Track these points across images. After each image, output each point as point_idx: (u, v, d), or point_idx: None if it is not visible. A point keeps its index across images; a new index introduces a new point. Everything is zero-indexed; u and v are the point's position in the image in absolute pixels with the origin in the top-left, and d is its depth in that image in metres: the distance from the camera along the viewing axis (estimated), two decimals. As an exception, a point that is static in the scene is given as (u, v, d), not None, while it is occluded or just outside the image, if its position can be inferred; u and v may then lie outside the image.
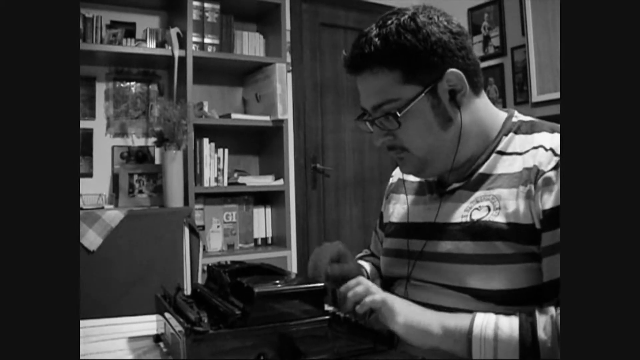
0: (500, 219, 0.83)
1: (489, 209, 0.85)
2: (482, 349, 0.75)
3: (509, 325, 0.75)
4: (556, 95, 2.79)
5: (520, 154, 0.87)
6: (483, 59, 3.16)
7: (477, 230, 0.84)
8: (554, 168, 0.80)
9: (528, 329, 0.74)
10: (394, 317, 0.78)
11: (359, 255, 1.22)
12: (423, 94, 0.85)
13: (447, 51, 0.84)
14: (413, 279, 0.93)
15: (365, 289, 0.82)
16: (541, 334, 0.73)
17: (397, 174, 1.14)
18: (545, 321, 0.74)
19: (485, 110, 0.92)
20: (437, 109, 0.86)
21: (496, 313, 0.78)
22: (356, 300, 0.81)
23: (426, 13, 0.86)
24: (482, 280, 0.82)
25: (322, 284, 0.77)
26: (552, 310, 0.74)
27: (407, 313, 0.79)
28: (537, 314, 0.75)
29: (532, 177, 0.82)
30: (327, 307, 0.78)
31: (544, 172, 0.81)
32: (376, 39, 0.85)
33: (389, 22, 0.85)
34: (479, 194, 0.88)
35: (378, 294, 0.81)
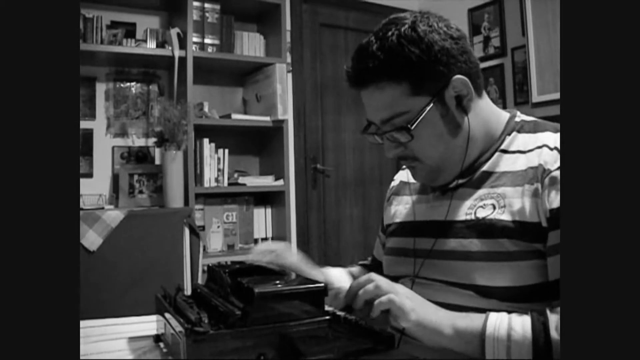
0: (505, 217, 0.83)
1: (494, 207, 0.85)
2: (495, 349, 0.75)
3: (521, 325, 0.75)
4: (556, 95, 2.79)
5: (523, 152, 0.87)
6: (483, 59, 3.16)
7: (482, 228, 0.84)
8: None
9: (541, 329, 0.74)
10: (406, 316, 0.78)
11: (361, 262, 1.22)
12: (432, 104, 0.84)
13: (451, 58, 0.84)
14: (418, 277, 0.93)
15: (375, 286, 0.79)
16: (554, 333, 0.73)
17: (399, 177, 1.14)
18: (557, 320, 0.74)
19: (488, 110, 0.92)
20: (446, 117, 0.86)
21: (501, 310, 0.78)
22: (366, 298, 0.79)
23: (425, 20, 0.85)
24: (487, 276, 0.82)
25: (322, 284, 0.77)
26: None
27: (418, 311, 0.79)
28: (548, 313, 0.75)
29: (538, 176, 0.82)
30: (327, 307, 0.78)
31: (550, 171, 0.81)
32: (379, 53, 0.83)
33: (389, 33, 0.84)
34: (482, 191, 0.88)
35: (386, 294, 0.78)
